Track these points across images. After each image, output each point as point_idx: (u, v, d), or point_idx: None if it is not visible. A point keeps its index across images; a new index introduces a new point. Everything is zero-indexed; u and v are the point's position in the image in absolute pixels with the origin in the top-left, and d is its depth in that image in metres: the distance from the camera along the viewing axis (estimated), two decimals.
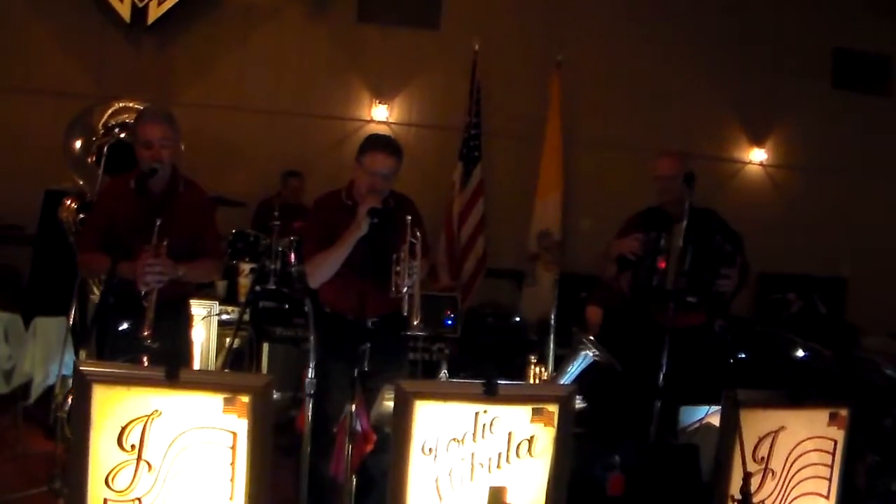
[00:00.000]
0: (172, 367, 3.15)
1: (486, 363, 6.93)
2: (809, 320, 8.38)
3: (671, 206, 5.08)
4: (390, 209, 4.32)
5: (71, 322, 5.51)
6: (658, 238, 4.92)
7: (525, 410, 3.44)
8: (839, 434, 4.05)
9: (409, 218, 4.26)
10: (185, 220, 4.43)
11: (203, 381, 3.29)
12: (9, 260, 8.19)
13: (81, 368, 3.13)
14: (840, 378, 7.10)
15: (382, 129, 8.97)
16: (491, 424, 3.40)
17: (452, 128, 9.05)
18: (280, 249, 6.75)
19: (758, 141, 10.08)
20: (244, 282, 6.82)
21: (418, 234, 4.22)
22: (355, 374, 3.57)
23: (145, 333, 4.01)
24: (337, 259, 4.24)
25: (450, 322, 6.83)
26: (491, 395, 3.38)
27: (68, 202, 6.07)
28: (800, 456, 3.97)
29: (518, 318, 8.51)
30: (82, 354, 4.38)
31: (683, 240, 4.84)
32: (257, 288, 6.58)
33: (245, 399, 3.20)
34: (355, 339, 3.98)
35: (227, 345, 6.23)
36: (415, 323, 4.13)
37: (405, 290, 4.12)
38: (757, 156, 10.10)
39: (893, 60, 10.25)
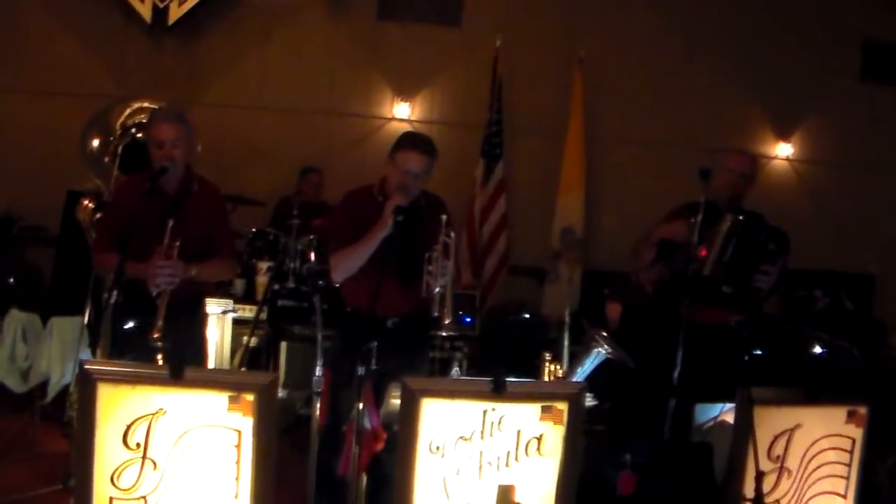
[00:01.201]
0: (177, 366, 3.15)
1: (498, 361, 6.89)
2: (836, 317, 8.28)
3: (724, 202, 5.04)
4: (416, 207, 4.30)
5: (86, 321, 5.54)
6: (703, 227, 4.88)
7: (534, 408, 3.42)
8: (857, 432, 3.99)
9: (445, 217, 4.24)
10: (198, 220, 4.45)
11: (208, 380, 3.30)
12: (32, 260, 8.29)
13: (86, 367, 3.14)
14: (866, 376, 7.02)
15: (404, 127, 8.94)
16: (499, 422, 3.38)
17: (474, 125, 9.00)
18: (299, 248, 6.76)
19: (784, 135, 9.95)
20: (262, 280, 6.82)
21: (452, 234, 4.20)
22: (361, 373, 3.54)
23: (155, 335, 4.02)
24: (361, 255, 4.23)
25: (468, 320, 6.82)
26: (499, 392, 3.35)
27: (85, 202, 6.11)
28: (816, 454, 3.92)
29: (536, 316, 8.48)
30: (98, 353, 4.39)
31: (728, 231, 4.81)
32: (275, 286, 6.59)
33: (250, 397, 3.19)
34: (372, 338, 3.96)
35: (244, 343, 6.24)
36: (446, 322, 4.11)
37: (437, 290, 4.10)
38: (783, 150, 9.97)
39: None
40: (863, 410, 3.98)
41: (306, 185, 8.31)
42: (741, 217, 4.89)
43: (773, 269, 4.87)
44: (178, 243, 4.19)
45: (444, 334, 4.23)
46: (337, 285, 4.48)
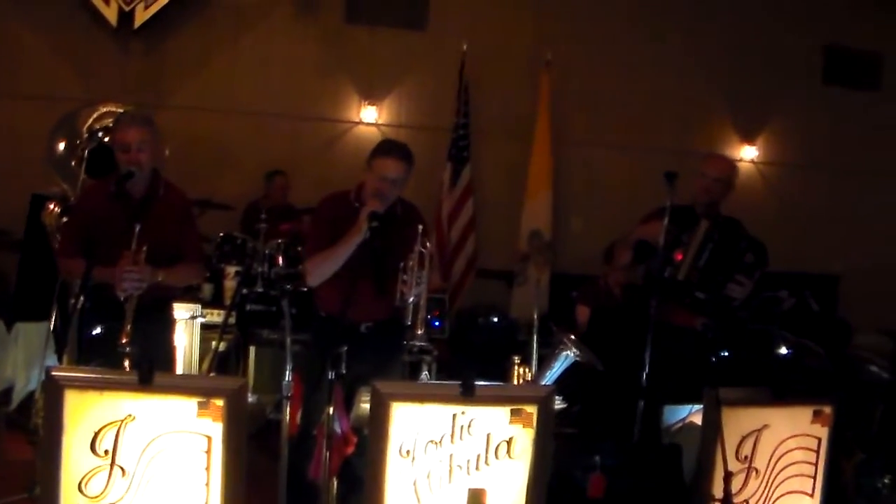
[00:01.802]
0: (145, 371, 3.12)
1: (467, 364, 6.91)
2: (802, 317, 8.35)
3: (701, 207, 5.08)
4: (392, 215, 4.31)
5: (52, 327, 5.49)
6: (681, 231, 4.91)
7: (503, 411, 3.41)
8: (823, 431, 4.02)
9: (421, 227, 4.26)
10: (165, 224, 4.41)
11: (177, 385, 3.27)
12: None
13: (53, 374, 3.11)
14: (831, 375, 7.09)
15: (371, 131, 8.98)
16: (469, 426, 3.37)
17: (441, 128, 9.04)
18: (267, 252, 6.74)
19: (749, 138, 10.08)
20: (230, 285, 6.80)
21: (428, 244, 4.21)
22: (331, 377, 3.54)
23: (123, 340, 3.99)
24: (336, 260, 4.23)
25: (437, 323, 6.83)
26: (468, 396, 3.35)
27: (51, 206, 6.05)
28: (784, 454, 3.94)
29: (504, 319, 8.50)
30: (65, 360, 4.35)
31: (704, 236, 4.85)
32: (244, 290, 6.57)
33: (219, 402, 3.17)
34: (345, 342, 3.95)
35: (212, 348, 6.21)
36: (418, 332, 4.12)
37: (411, 299, 4.11)
38: (748, 153, 10.09)
39: (883, 56, 10.23)
40: (828, 410, 4.01)
41: (273, 188, 8.28)
42: (718, 223, 4.93)
43: (747, 282, 4.91)
44: (145, 248, 4.16)
45: (416, 344, 4.21)
46: (307, 289, 4.48)
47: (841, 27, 10.04)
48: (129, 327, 4.00)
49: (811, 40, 10.05)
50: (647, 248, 5.07)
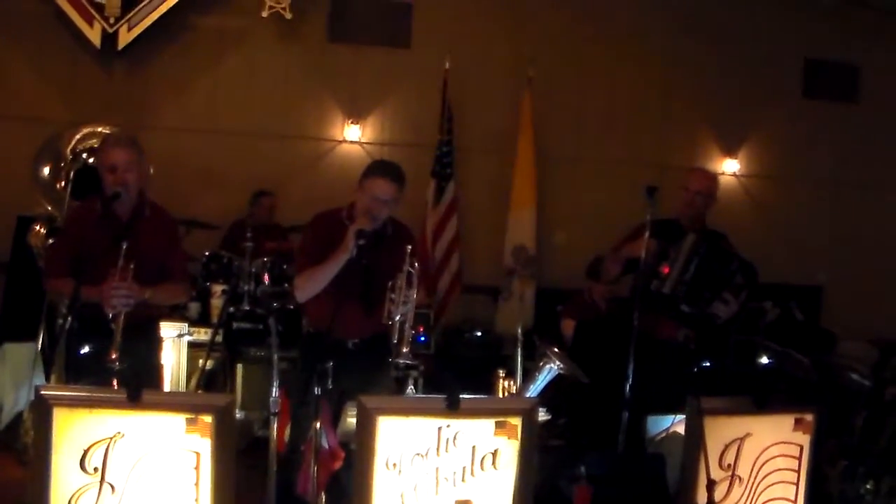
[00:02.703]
0: (134, 389, 3.15)
1: (453, 378, 6.94)
2: (786, 328, 8.41)
3: (686, 220, 5.13)
4: (381, 235, 4.36)
5: (40, 347, 5.50)
6: (667, 244, 4.96)
7: (488, 424, 3.45)
8: (805, 439, 4.06)
9: (410, 248, 4.30)
10: (151, 244, 4.45)
11: (165, 402, 3.31)
12: None
13: (42, 392, 3.13)
14: (815, 384, 7.15)
15: (355, 149, 9.02)
16: (454, 438, 3.41)
17: (425, 145, 9.08)
18: (253, 271, 6.77)
19: (731, 152, 10.15)
20: (217, 303, 6.82)
21: (416, 264, 4.25)
22: (316, 392, 3.58)
23: (112, 356, 4.02)
24: (323, 277, 4.28)
25: (422, 339, 6.86)
26: (453, 409, 3.38)
27: (37, 227, 6.08)
28: (766, 462, 3.99)
29: (489, 333, 8.55)
30: (53, 379, 4.37)
31: (690, 250, 4.90)
32: (230, 309, 6.59)
33: (208, 419, 3.20)
34: (333, 359, 3.98)
35: (200, 366, 6.23)
36: (404, 351, 4.16)
37: (398, 318, 4.15)
38: (730, 166, 10.16)
39: (861, 69, 10.33)
40: (810, 418, 4.06)
41: (259, 208, 8.29)
42: (704, 236, 4.98)
43: (733, 300, 4.97)
44: (132, 265, 4.19)
45: (402, 362, 4.24)
46: (293, 307, 4.52)
47: (820, 41, 10.15)
48: (117, 344, 4.02)
49: (791, 54, 10.15)
50: (635, 265, 5.13)
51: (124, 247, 4.19)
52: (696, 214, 5.18)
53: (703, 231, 5.18)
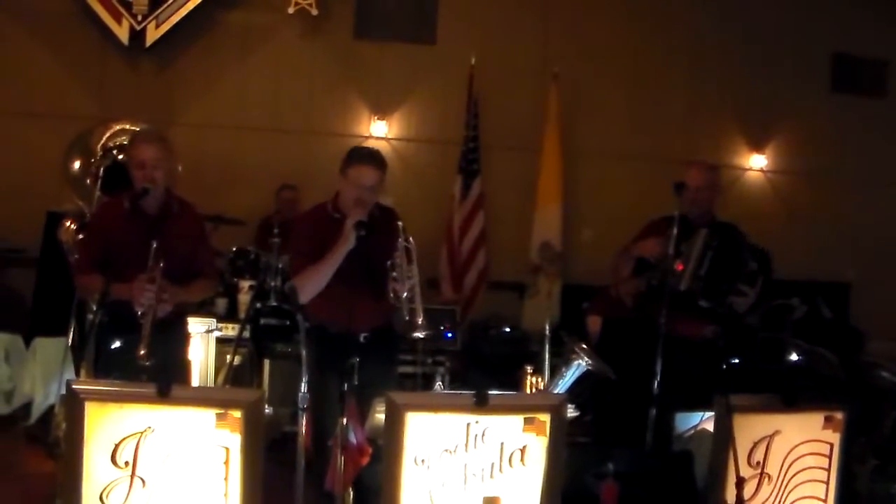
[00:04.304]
0: (164, 384, 3.18)
1: (481, 374, 6.95)
2: (814, 325, 8.37)
3: (695, 216, 5.10)
4: (371, 220, 4.35)
5: (70, 342, 5.55)
6: (679, 242, 4.94)
7: (517, 420, 3.46)
8: (835, 437, 4.03)
9: (401, 224, 4.31)
10: (179, 240, 4.48)
11: (195, 397, 3.34)
12: (12, 282, 8.26)
13: (73, 387, 3.17)
14: (844, 382, 7.10)
15: (381, 145, 9.00)
16: (483, 435, 3.42)
17: (451, 141, 9.08)
18: (280, 266, 6.80)
19: (757, 147, 10.08)
20: (244, 299, 6.86)
21: (411, 238, 4.26)
22: (344, 388, 3.59)
23: (141, 353, 4.05)
24: (326, 273, 4.26)
25: (449, 335, 6.86)
26: (482, 405, 3.39)
27: (67, 223, 6.12)
28: (795, 460, 3.96)
29: (516, 329, 8.54)
30: (82, 373, 4.41)
31: (703, 244, 4.88)
32: (257, 305, 6.62)
33: (237, 414, 3.23)
34: (347, 353, 3.98)
35: (227, 362, 6.27)
36: (419, 322, 4.15)
37: (404, 294, 4.15)
38: (757, 162, 10.10)
39: (890, 64, 10.25)
40: (839, 416, 4.03)
41: (280, 201, 8.34)
42: (715, 229, 4.96)
43: (751, 291, 4.94)
44: (161, 265, 4.22)
45: (419, 336, 4.22)
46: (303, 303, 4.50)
47: (848, 35, 10.06)
48: (146, 341, 4.05)
49: (819, 48, 10.07)
50: (646, 264, 5.12)
51: (154, 246, 4.23)
52: (702, 209, 5.13)
53: (713, 224, 5.15)
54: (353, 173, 4.33)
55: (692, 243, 4.98)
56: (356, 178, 4.32)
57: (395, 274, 4.18)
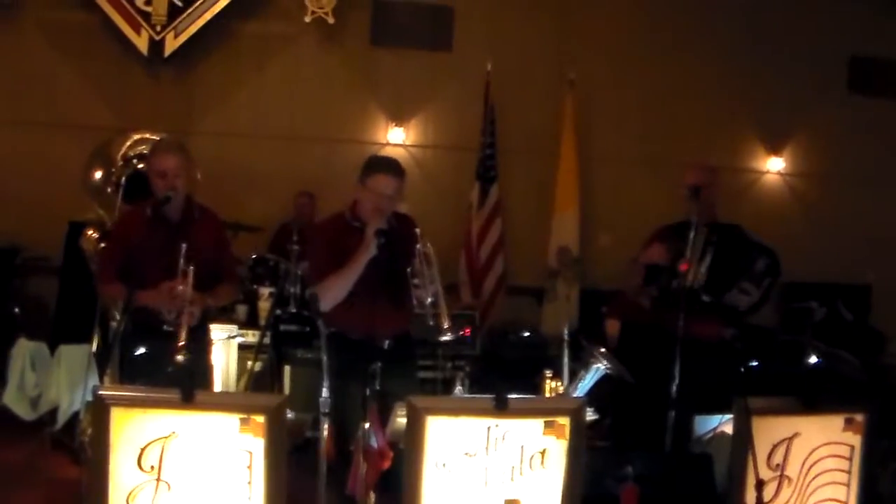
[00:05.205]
0: (188, 389, 3.22)
1: (501, 378, 6.97)
2: (834, 327, 8.35)
3: (696, 218, 5.12)
4: (391, 228, 4.38)
5: (94, 349, 5.61)
6: (682, 244, 4.98)
7: (537, 424, 3.48)
8: (856, 439, 4.02)
9: (418, 230, 4.35)
10: (202, 246, 4.54)
11: (219, 402, 3.38)
12: (36, 290, 8.36)
13: (99, 392, 3.21)
14: (866, 384, 7.09)
15: (399, 152, 9.03)
16: (503, 438, 3.43)
17: (468, 148, 9.12)
18: (299, 273, 6.85)
19: (775, 150, 10.06)
20: (264, 306, 6.91)
21: (429, 244, 4.29)
22: (367, 393, 3.62)
23: (178, 357, 4.12)
24: (348, 281, 4.31)
25: (469, 340, 6.89)
26: (502, 409, 3.41)
27: (89, 232, 6.18)
28: (816, 462, 3.95)
29: (535, 334, 8.55)
30: (106, 380, 4.46)
31: (703, 242, 4.90)
32: (277, 311, 6.67)
33: (260, 419, 3.25)
34: (370, 359, 4.02)
35: (248, 368, 6.32)
36: (445, 326, 4.17)
37: (429, 299, 4.18)
38: (774, 164, 10.08)
39: None
40: (860, 418, 4.02)
41: (297, 208, 8.40)
42: (715, 227, 5.00)
43: (755, 291, 4.96)
44: (192, 268, 4.29)
45: (447, 339, 4.26)
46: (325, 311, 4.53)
47: (866, 37, 10.02)
48: (181, 344, 4.12)
49: (836, 50, 10.04)
50: (656, 270, 5.15)
51: (184, 248, 4.29)
52: (700, 209, 5.13)
53: (714, 224, 5.18)
54: (372, 182, 4.37)
55: (693, 244, 5.01)
56: (375, 186, 4.35)
57: (416, 281, 4.22)
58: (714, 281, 4.95)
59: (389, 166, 4.46)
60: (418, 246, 4.29)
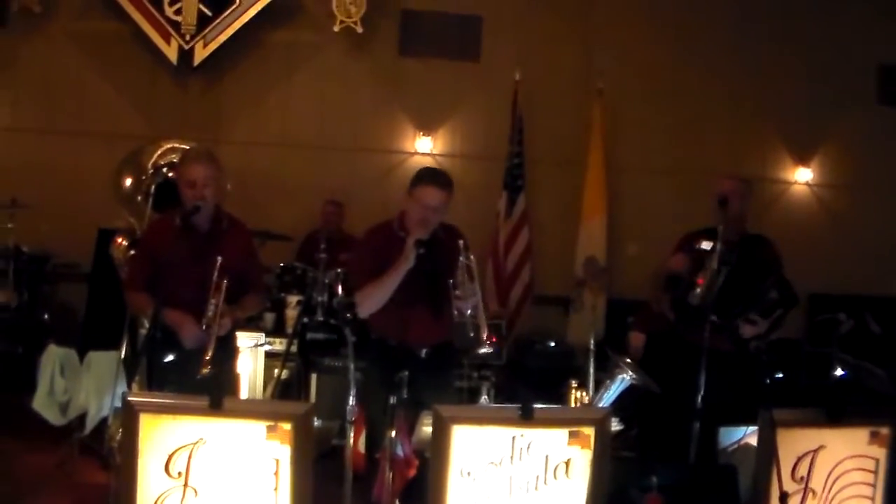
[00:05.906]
0: (216, 396, 3.26)
1: (526, 388, 6.98)
2: (862, 340, 8.30)
3: (724, 228, 5.10)
4: (435, 239, 4.42)
5: (123, 355, 5.67)
6: (705, 253, 4.96)
7: (561, 433, 3.50)
8: (881, 452, 4.01)
9: (462, 241, 4.38)
10: (231, 256, 4.56)
11: (246, 410, 3.41)
12: (65, 297, 8.46)
13: (129, 399, 3.26)
14: (893, 397, 7.04)
15: (427, 161, 9.05)
16: (528, 448, 3.45)
17: (496, 157, 9.12)
18: (327, 281, 6.88)
19: (803, 160, 10.01)
20: (291, 314, 6.96)
21: (472, 256, 4.31)
22: (392, 402, 3.65)
23: (205, 369, 4.18)
24: (387, 289, 4.35)
25: (495, 350, 6.89)
26: (527, 418, 3.43)
27: (119, 240, 6.24)
28: (841, 475, 3.95)
29: (561, 344, 8.56)
30: (134, 387, 4.51)
31: (718, 260, 4.87)
32: (305, 319, 6.71)
33: (287, 426, 3.29)
34: (406, 367, 4.03)
35: (275, 375, 6.36)
36: (484, 338, 4.20)
37: (468, 311, 4.21)
38: (802, 175, 10.02)
39: None
40: (886, 431, 4.01)
41: (325, 217, 8.44)
42: (732, 246, 4.95)
43: (762, 323, 4.95)
44: (225, 281, 4.33)
45: (486, 352, 4.29)
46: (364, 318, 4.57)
47: (894, 47, 9.96)
48: (210, 355, 4.18)
49: (864, 60, 9.98)
50: (677, 280, 5.14)
51: (219, 262, 4.34)
52: (727, 220, 5.10)
53: (742, 237, 5.14)
54: (419, 193, 4.42)
55: (711, 257, 4.98)
56: (421, 197, 4.40)
57: (458, 292, 4.25)
58: (723, 304, 4.93)
59: (436, 178, 4.50)
60: (461, 258, 4.32)
